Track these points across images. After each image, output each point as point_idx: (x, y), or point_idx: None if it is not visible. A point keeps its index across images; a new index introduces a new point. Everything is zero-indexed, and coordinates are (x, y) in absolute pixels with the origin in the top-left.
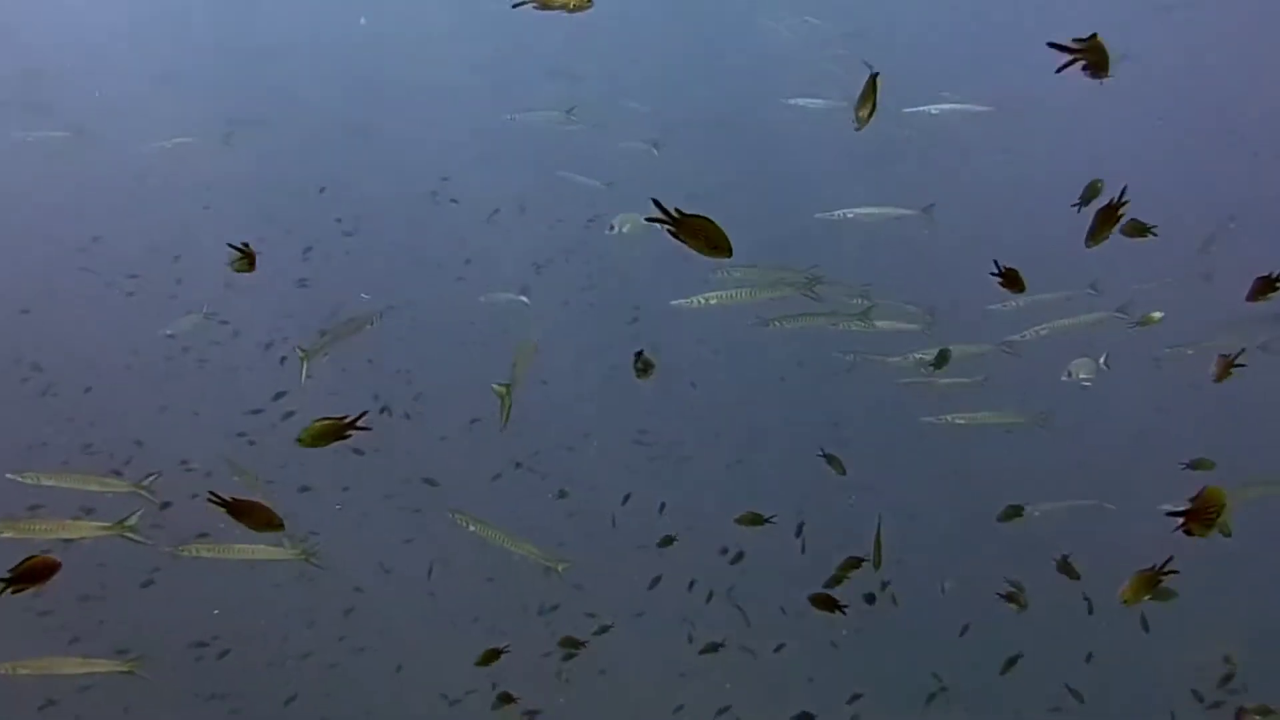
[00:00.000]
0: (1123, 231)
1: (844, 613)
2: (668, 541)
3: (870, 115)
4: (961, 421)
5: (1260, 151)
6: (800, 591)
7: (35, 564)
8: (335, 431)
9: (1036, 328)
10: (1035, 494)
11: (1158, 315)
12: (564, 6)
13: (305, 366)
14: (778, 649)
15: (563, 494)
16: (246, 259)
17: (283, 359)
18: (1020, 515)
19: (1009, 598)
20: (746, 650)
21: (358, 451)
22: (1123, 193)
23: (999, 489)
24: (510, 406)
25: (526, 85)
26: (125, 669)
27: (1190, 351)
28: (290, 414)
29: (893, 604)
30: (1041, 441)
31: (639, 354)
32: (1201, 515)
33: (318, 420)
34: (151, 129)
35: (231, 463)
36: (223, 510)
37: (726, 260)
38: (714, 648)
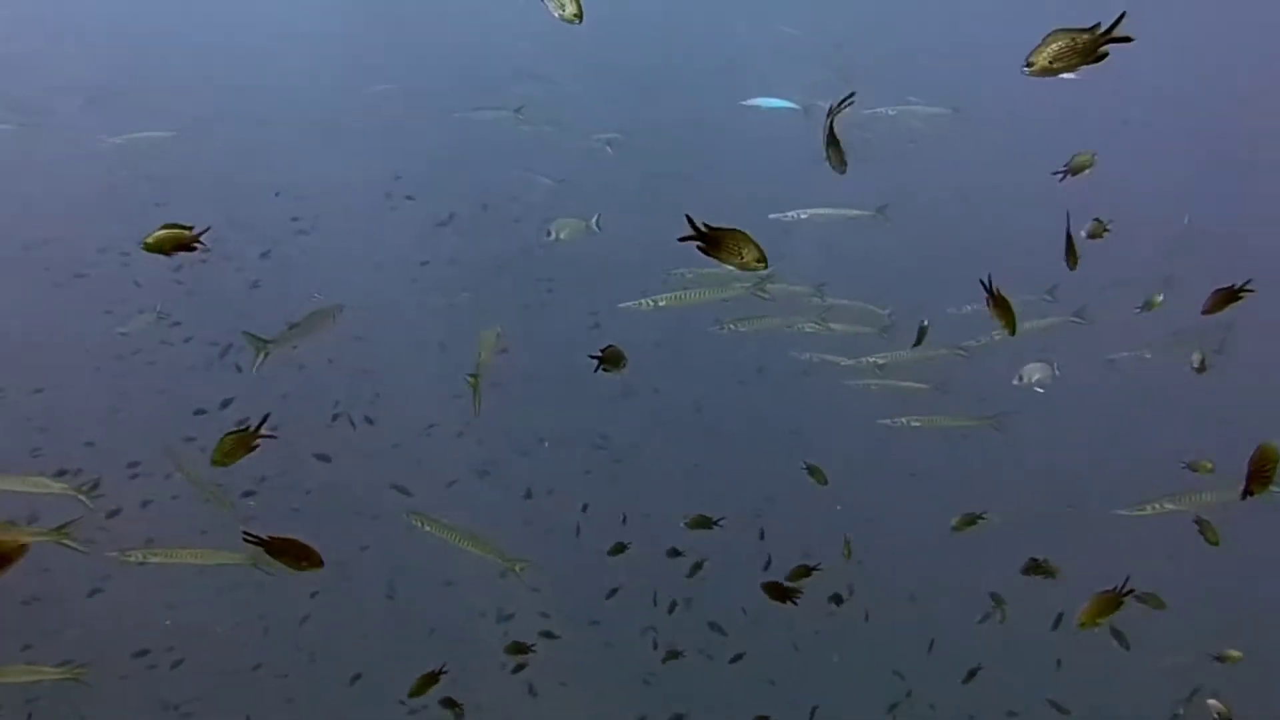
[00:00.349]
0: (1085, 233)
1: (795, 603)
2: (619, 549)
3: (842, 159)
4: (917, 424)
5: (1225, 157)
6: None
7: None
8: (245, 444)
9: (993, 333)
10: (999, 498)
11: (1159, 299)
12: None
13: (260, 358)
14: (734, 659)
15: (529, 495)
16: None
17: (238, 369)
18: (975, 524)
19: (995, 600)
20: (707, 656)
21: (323, 458)
22: (1068, 225)
23: (962, 493)
24: (479, 394)
25: (498, 87)
26: (71, 676)
27: (1148, 355)
28: (244, 420)
29: (849, 602)
30: (1004, 446)
31: (605, 349)
32: (1258, 474)
33: (226, 435)
34: (106, 123)
35: (172, 455)
36: (260, 548)
37: (756, 268)
38: (675, 654)
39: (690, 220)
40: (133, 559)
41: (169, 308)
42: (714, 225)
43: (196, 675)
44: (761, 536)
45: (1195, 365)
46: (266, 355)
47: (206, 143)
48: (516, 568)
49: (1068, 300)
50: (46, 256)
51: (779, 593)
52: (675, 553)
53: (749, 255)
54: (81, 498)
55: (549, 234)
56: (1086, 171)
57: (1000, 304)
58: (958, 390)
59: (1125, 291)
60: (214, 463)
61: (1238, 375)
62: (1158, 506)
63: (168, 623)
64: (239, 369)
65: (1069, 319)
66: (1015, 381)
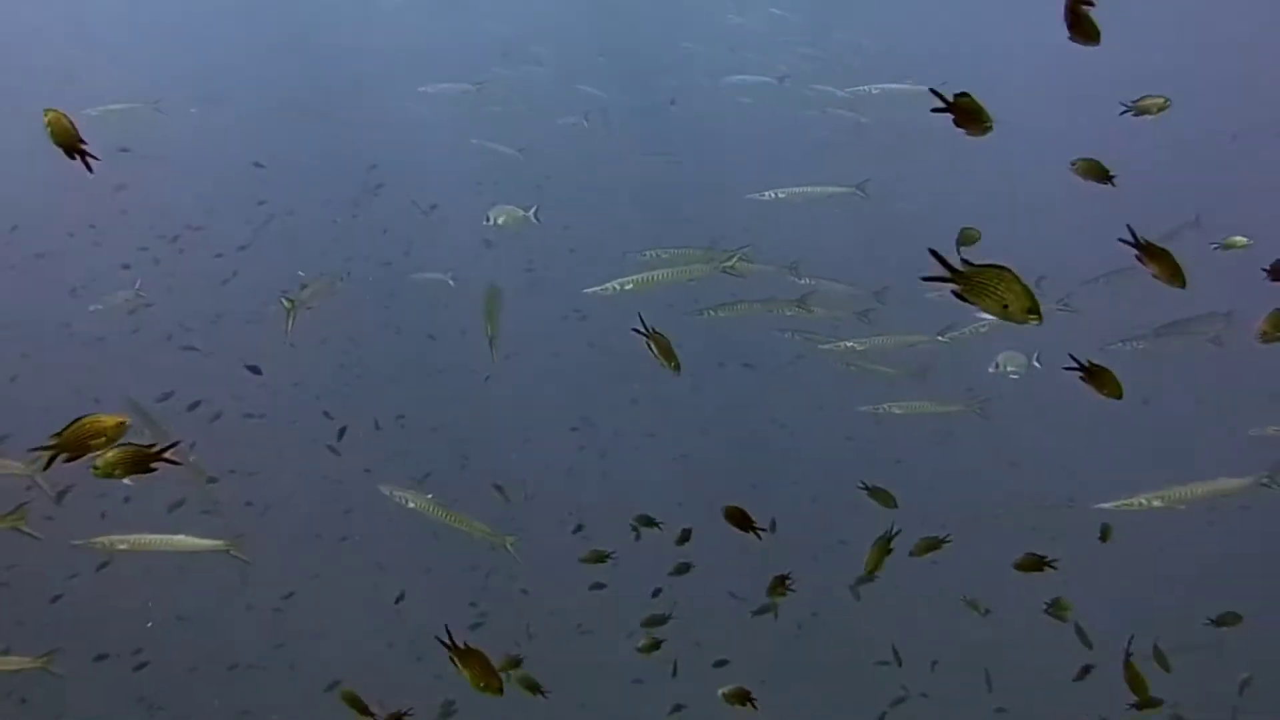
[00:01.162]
0: (1083, 173)
1: (759, 536)
2: (601, 558)
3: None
4: (899, 410)
5: (1226, 147)
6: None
7: (88, 428)
8: (140, 461)
9: (976, 324)
10: (992, 490)
11: (1242, 240)
12: None
13: (291, 319)
14: (717, 664)
15: (528, 496)
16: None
17: (256, 371)
18: (939, 547)
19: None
20: (696, 643)
21: (334, 450)
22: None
23: (949, 484)
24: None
25: (482, 67)
26: (37, 665)
27: (1141, 345)
28: (218, 415)
29: (855, 597)
30: (990, 439)
31: (655, 333)
32: None
33: (121, 446)
34: (79, 97)
35: (135, 406)
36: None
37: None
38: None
39: (938, 256)
40: (100, 546)
41: (140, 290)
42: (971, 262)
43: (175, 676)
44: (773, 529)
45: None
46: (294, 317)
47: (183, 119)
48: (508, 543)
49: (1055, 292)
50: (19, 237)
51: (743, 521)
52: (650, 522)
53: (1015, 304)
54: (41, 482)
55: (487, 220)
56: (1153, 115)
57: (1097, 373)
58: (944, 378)
59: (1117, 282)
60: (95, 470)
61: (1234, 367)
62: (1144, 502)
63: (149, 624)
64: (260, 370)
65: (1055, 307)
66: (991, 369)
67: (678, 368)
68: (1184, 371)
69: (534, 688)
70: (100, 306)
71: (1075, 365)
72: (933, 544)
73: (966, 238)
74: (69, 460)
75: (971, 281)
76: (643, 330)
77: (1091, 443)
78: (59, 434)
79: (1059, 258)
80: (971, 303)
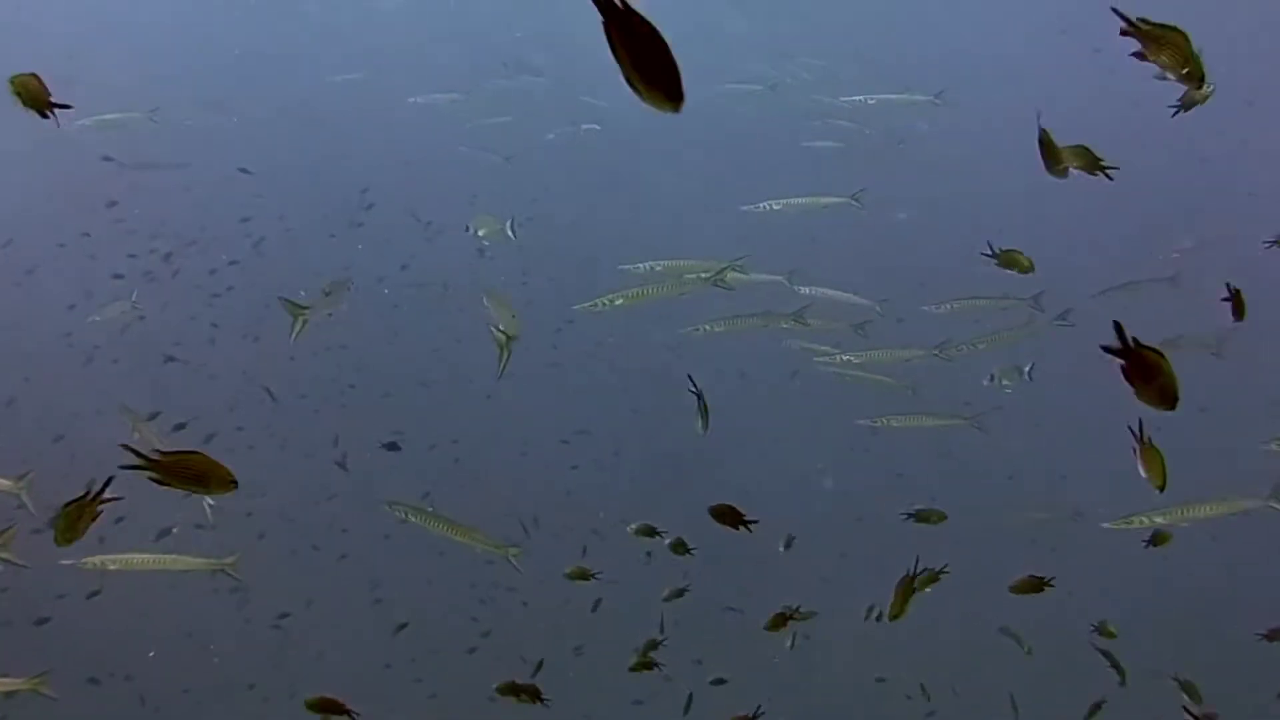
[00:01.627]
0: (1072, 160)
1: (749, 529)
2: (585, 575)
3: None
4: (898, 424)
5: (1228, 160)
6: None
7: (195, 465)
8: (88, 513)
9: (974, 340)
10: (993, 503)
11: None
12: None
13: (298, 327)
14: (714, 682)
15: (536, 522)
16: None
17: (274, 386)
18: (937, 579)
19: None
20: (696, 662)
21: (343, 467)
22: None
23: (950, 495)
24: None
25: (484, 75)
26: (29, 687)
27: None
28: (211, 436)
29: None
30: (990, 451)
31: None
32: None
33: (66, 506)
34: (76, 102)
35: (128, 412)
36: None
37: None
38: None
39: (1120, 330)
40: (90, 566)
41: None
42: (1127, 335)
43: (168, 691)
44: (788, 545)
45: None
46: (305, 323)
47: (176, 130)
48: (510, 554)
49: (1055, 305)
50: (11, 251)
51: (732, 518)
52: (652, 531)
53: (1165, 394)
54: (26, 499)
55: (468, 229)
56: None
57: (1150, 451)
58: (940, 391)
59: (1120, 296)
60: (58, 543)
61: (1237, 380)
62: (1145, 520)
63: (151, 654)
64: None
65: (1054, 322)
66: (986, 382)
67: (706, 430)
68: (1187, 383)
69: (535, 695)
70: (98, 319)
71: (1137, 433)
72: (931, 578)
73: (1014, 262)
74: (159, 483)
75: (1138, 361)
76: (693, 389)
77: (1094, 454)
78: (165, 454)
79: (1059, 268)
80: (1131, 382)
